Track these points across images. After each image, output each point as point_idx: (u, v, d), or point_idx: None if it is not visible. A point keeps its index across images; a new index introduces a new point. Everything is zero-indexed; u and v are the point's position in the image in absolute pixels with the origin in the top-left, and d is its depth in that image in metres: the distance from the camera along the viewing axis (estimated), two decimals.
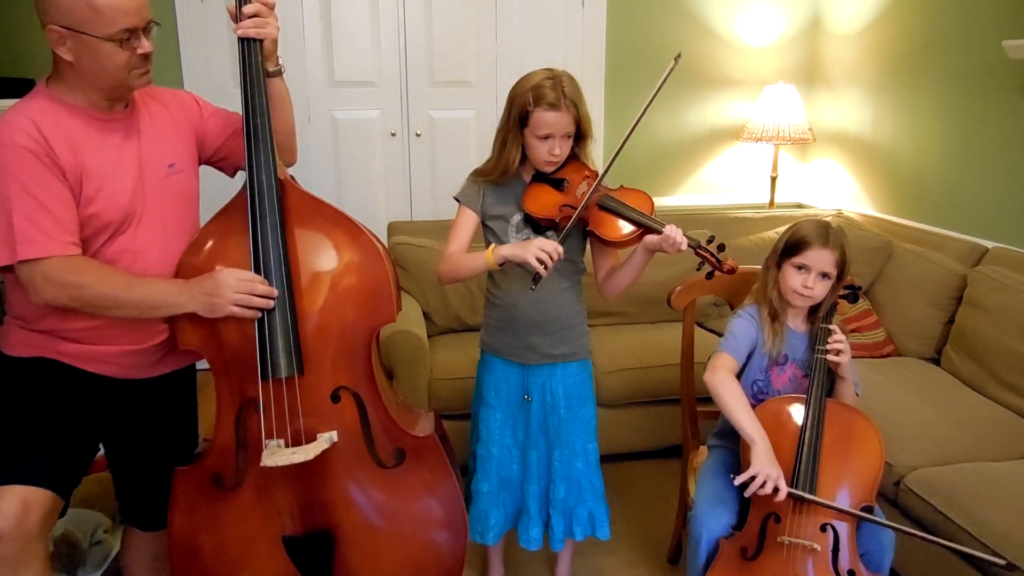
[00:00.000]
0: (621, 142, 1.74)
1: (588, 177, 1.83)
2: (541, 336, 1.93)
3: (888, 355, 2.89)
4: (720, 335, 2.02)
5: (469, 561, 1.84)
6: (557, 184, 1.84)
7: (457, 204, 1.94)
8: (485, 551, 2.25)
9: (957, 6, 3.04)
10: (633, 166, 3.74)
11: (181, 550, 1.73)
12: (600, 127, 3.77)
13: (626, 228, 1.79)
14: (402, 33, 3.53)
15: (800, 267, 1.86)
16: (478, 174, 1.92)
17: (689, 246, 1.74)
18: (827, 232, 1.84)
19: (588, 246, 1.97)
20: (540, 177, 1.86)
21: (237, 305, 1.56)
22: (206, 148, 1.79)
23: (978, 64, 2.95)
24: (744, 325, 1.93)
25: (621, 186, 1.86)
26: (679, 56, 1.71)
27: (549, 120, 1.76)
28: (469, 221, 1.92)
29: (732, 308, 2.12)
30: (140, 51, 1.51)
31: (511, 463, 2.02)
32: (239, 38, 1.62)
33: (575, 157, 1.87)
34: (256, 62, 1.63)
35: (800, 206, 4.03)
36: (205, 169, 1.83)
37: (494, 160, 1.87)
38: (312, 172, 3.55)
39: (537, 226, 1.86)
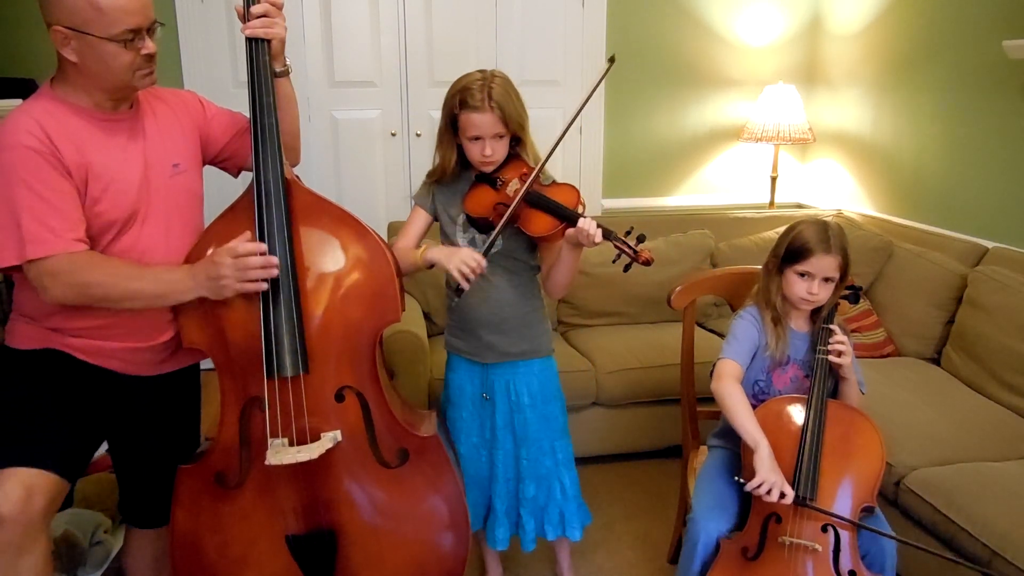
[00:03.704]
0: (555, 141, 1.76)
1: (524, 174, 1.84)
2: (497, 335, 1.95)
3: (888, 355, 2.90)
4: (720, 335, 2.02)
5: (469, 561, 1.85)
6: (494, 183, 1.86)
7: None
8: (483, 552, 2.25)
9: (957, 6, 3.05)
10: (633, 166, 3.71)
11: (184, 549, 1.74)
12: (600, 127, 3.77)
13: (547, 222, 1.80)
14: (402, 33, 3.53)
15: (803, 274, 1.85)
16: (428, 175, 1.96)
17: (605, 238, 1.72)
18: (827, 237, 1.83)
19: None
20: (482, 177, 1.88)
21: (241, 282, 1.55)
22: (210, 148, 1.79)
23: (978, 64, 2.95)
24: (746, 327, 1.93)
25: (553, 182, 1.88)
26: (613, 57, 1.76)
27: (475, 122, 1.78)
28: (419, 219, 1.98)
29: (732, 308, 2.12)
30: (144, 51, 1.52)
31: (479, 462, 2.04)
32: (247, 38, 1.62)
33: (516, 156, 1.88)
34: (264, 62, 1.63)
35: (800, 206, 4.03)
36: (208, 169, 1.82)
37: (436, 162, 1.92)
38: (312, 172, 3.54)
39: (479, 226, 1.87)
